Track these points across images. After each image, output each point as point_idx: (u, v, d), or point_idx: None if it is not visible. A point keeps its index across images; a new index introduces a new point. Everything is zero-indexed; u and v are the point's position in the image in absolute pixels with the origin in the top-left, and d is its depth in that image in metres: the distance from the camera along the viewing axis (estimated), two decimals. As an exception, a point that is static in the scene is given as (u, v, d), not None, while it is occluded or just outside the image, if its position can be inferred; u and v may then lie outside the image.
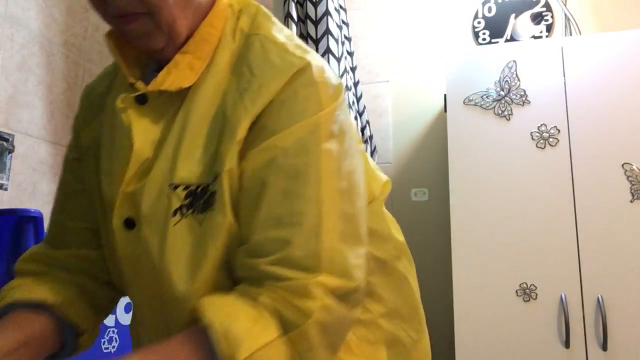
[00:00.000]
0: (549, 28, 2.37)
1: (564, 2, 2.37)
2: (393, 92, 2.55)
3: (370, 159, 0.85)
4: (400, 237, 0.85)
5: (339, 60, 2.06)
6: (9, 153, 1.58)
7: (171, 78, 0.70)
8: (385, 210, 0.85)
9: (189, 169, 0.69)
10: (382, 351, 0.77)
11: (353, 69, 2.27)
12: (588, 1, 2.38)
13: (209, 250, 0.67)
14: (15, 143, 1.60)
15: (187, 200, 0.69)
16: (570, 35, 2.30)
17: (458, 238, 1.87)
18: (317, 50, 2.04)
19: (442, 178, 2.32)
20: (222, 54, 0.72)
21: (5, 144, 1.57)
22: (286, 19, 2.11)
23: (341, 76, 2.06)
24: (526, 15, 2.41)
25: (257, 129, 0.67)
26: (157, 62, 0.76)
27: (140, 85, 0.73)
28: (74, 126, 0.88)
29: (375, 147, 2.35)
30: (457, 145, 1.95)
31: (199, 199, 0.68)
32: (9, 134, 1.58)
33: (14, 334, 0.72)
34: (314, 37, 2.06)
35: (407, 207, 2.42)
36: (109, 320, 1.27)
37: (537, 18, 2.39)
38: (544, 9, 2.39)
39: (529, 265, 1.79)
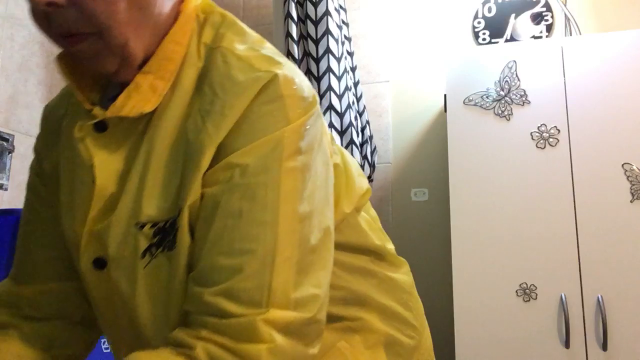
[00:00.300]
0: (549, 28, 2.37)
1: (564, 2, 2.37)
2: (393, 92, 2.55)
3: (352, 164, 0.81)
4: (378, 241, 0.80)
5: (339, 60, 2.06)
6: (9, 153, 1.58)
7: (131, 102, 0.63)
8: (359, 219, 0.79)
9: (156, 205, 0.62)
10: (380, 353, 0.76)
11: (353, 69, 2.27)
12: (588, 1, 2.38)
13: (177, 291, 0.62)
14: (15, 143, 1.60)
15: (155, 239, 0.63)
16: (570, 35, 2.30)
17: (458, 238, 1.87)
18: (317, 50, 2.04)
19: (442, 178, 2.32)
20: (187, 73, 0.65)
21: (5, 144, 1.57)
22: (286, 19, 2.11)
23: (341, 76, 2.06)
24: (526, 15, 2.41)
25: (218, 149, 0.61)
26: (119, 84, 0.67)
27: (97, 111, 0.65)
28: (35, 147, 0.81)
29: (375, 147, 2.35)
30: (457, 145, 1.95)
31: (169, 234, 0.62)
32: (9, 134, 1.58)
33: None
34: (314, 37, 2.06)
35: (407, 207, 2.42)
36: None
37: (537, 18, 2.39)
38: (544, 9, 2.39)
39: (529, 265, 1.79)
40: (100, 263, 0.66)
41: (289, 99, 0.62)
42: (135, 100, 0.63)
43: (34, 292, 0.76)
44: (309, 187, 0.62)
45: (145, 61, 0.65)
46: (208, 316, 0.57)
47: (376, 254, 0.80)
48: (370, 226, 0.80)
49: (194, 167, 0.60)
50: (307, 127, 0.63)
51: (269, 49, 0.67)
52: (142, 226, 0.63)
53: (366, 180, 0.83)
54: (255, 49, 0.65)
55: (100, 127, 0.66)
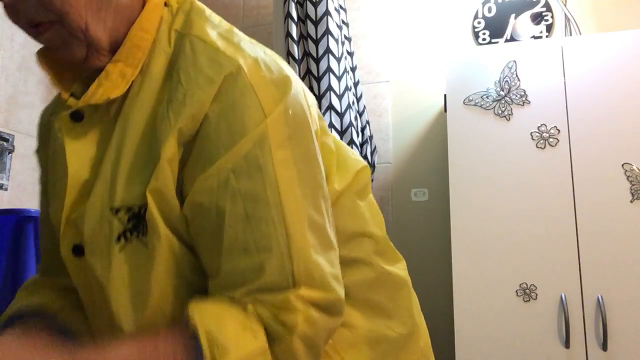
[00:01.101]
0: (549, 28, 2.37)
1: (564, 2, 2.37)
2: (393, 92, 2.55)
3: (345, 147, 0.82)
4: (379, 231, 0.80)
5: (339, 60, 2.06)
6: (9, 153, 1.58)
7: (101, 90, 0.65)
8: (360, 203, 0.79)
9: (129, 190, 0.64)
10: (363, 350, 0.73)
11: (353, 69, 2.27)
12: (588, 1, 2.38)
13: (151, 277, 0.63)
14: (15, 143, 1.60)
15: (130, 224, 0.64)
16: (570, 35, 2.30)
17: (458, 238, 1.87)
18: (317, 50, 2.04)
19: (442, 178, 2.32)
20: (157, 60, 0.66)
21: (5, 144, 1.57)
22: (286, 19, 2.11)
23: (341, 76, 2.06)
24: (526, 15, 2.41)
25: (197, 152, 0.62)
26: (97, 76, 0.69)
27: (72, 101, 0.68)
28: (35, 151, 0.84)
29: (375, 147, 2.35)
30: (457, 145, 1.95)
31: (144, 220, 0.63)
32: (9, 134, 1.58)
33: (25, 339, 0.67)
34: (314, 37, 2.06)
35: (407, 207, 2.42)
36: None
37: (537, 18, 2.39)
38: (544, 9, 2.39)
39: (529, 265, 1.79)
40: (78, 250, 0.68)
41: (259, 88, 0.62)
42: (105, 88, 0.65)
43: (60, 285, 0.79)
44: (304, 170, 0.64)
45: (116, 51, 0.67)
46: (247, 302, 0.60)
47: (376, 242, 0.78)
48: (372, 213, 0.80)
49: (156, 154, 0.62)
50: (288, 112, 0.64)
51: (236, 35, 0.68)
52: (117, 211, 0.64)
53: (362, 161, 0.82)
54: (225, 34, 0.67)
55: (77, 117, 0.68)
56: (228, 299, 0.60)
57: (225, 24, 0.70)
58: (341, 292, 0.64)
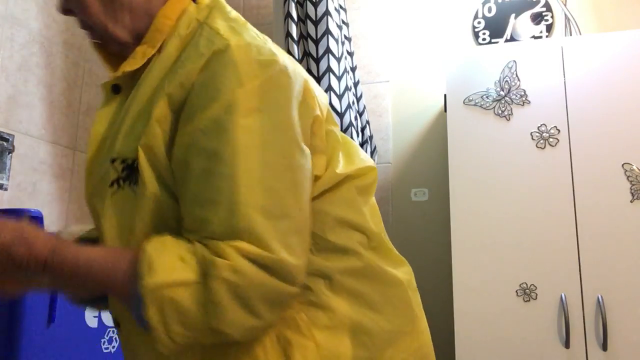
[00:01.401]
0: (549, 28, 2.37)
1: (564, 2, 2.37)
2: (393, 92, 2.55)
3: (355, 145, 0.87)
4: (375, 228, 0.82)
5: (339, 60, 2.06)
6: (9, 153, 1.58)
7: (125, 66, 0.79)
8: (359, 199, 0.82)
9: (126, 144, 0.75)
10: (342, 338, 0.74)
11: (353, 69, 2.27)
12: (588, 1, 2.38)
13: (136, 221, 0.73)
14: (15, 143, 1.60)
15: (124, 173, 0.75)
16: (570, 35, 2.30)
17: (458, 238, 1.87)
18: (317, 50, 2.04)
19: (442, 178, 2.32)
20: (172, 41, 0.78)
21: (5, 144, 1.57)
22: (286, 19, 2.11)
23: (341, 76, 2.06)
24: (526, 15, 2.41)
25: (183, 114, 0.71)
26: None
27: (111, 76, 0.82)
28: None
29: (375, 147, 2.35)
30: (457, 145, 1.95)
31: (135, 171, 0.73)
32: (9, 134, 1.58)
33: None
34: (314, 37, 2.06)
35: (407, 207, 2.42)
36: (109, 320, 1.26)
37: (537, 18, 2.39)
38: (544, 9, 2.39)
39: (529, 265, 1.79)
40: (90, 196, 0.81)
41: (241, 64, 0.70)
42: (128, 64, 0.79)
43: None
44: (271, 140, 0.70)
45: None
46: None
47: (369, 239, 0.79)
48: (372, 213, 0.83)
49: (149, 114, 0.73)
50: (265, 87, 0.70)
51: (244, 27, 0.77)
52: (114, 161, 0.76)
53: (372, 162, 0.86)
54: (232, 23, 0.76)
55: (117, 89, 0.83)
56: (186, 239, 0.69)
57: (240, 20, 0.79)
58: (288, 257, 0.66)
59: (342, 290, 0.76)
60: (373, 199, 0.85)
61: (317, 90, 0.82)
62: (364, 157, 0.85)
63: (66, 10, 0.81)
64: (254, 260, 0.65)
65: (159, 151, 0.72)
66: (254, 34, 0.75)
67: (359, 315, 0.76)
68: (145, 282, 0.64)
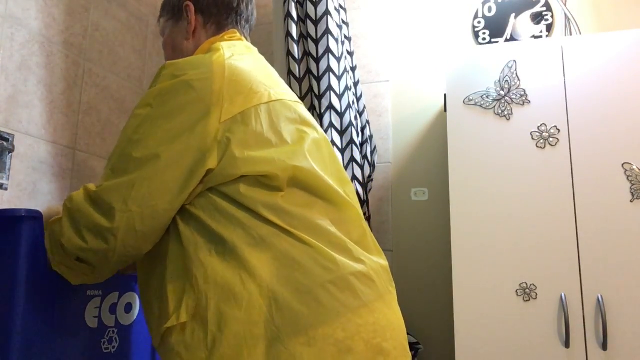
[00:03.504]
0: (549, 28, 2.37)
1: (564, 2, 2.37)
2: (393, 92, 2.55)
3: (334, 154, 1.13)
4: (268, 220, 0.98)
5: (339, 60, 2.06)
6: (9, 153, 1.58)
7: None
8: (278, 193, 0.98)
9: None
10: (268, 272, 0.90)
11: (353, 69, 2.27)
12: (588, 1, 2.38)
13: None
14: (15, 143, 1.60)
15: None
16: (570, 35, 2.30)
17: (458, 238, 1.87)
18: (317, 50, 2.04)
19: (442, 178, 2.32)
20: None
21: (5, 144, 1.57)
22: (286, 18, 2.10)
23: (341, 76, 2.06)
24: (526, 15, 2.41)
25: None
26: None
27: None
28: None
29: (375, 147, 2.35)
30: (457, 145, 1.95)
31: None
32: (9, 134, 1.58)
33: None
34: (314, 37, 2.06)
35: (407, 207, 2.42)
36: (109, 320, 1.26)
37: (537, 18, 2.39)
38: (544, 8, 2.39)
39: (529, 265, 1.79)
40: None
41: (162, 76, 1.00)
42: None
43: None
44: (145, 125, 0.96)
45: None
46: None
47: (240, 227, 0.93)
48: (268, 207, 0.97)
49: None
50: (164, 89, 0.97)
51: (230, 49, 1.08)
52: None
53: (346, 176, 1.11)
54: (199, 55, 1.10)
55: None
56: None
57: (231, 52, 1.08)
58: (110, 198, 0.92)
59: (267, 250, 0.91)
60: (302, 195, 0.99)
61: (287, 94, 1.13)
62: (341, 169, 1.12)
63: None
64: (89, 196, 0.94)
65: None
66: (223, 54, 1.04)
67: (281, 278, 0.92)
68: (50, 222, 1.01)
